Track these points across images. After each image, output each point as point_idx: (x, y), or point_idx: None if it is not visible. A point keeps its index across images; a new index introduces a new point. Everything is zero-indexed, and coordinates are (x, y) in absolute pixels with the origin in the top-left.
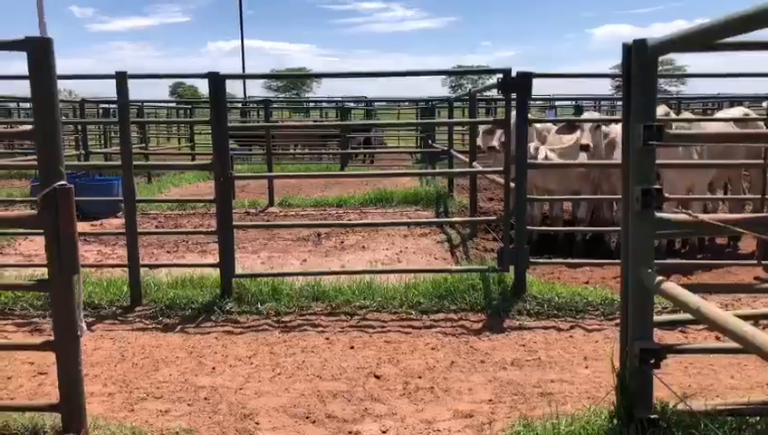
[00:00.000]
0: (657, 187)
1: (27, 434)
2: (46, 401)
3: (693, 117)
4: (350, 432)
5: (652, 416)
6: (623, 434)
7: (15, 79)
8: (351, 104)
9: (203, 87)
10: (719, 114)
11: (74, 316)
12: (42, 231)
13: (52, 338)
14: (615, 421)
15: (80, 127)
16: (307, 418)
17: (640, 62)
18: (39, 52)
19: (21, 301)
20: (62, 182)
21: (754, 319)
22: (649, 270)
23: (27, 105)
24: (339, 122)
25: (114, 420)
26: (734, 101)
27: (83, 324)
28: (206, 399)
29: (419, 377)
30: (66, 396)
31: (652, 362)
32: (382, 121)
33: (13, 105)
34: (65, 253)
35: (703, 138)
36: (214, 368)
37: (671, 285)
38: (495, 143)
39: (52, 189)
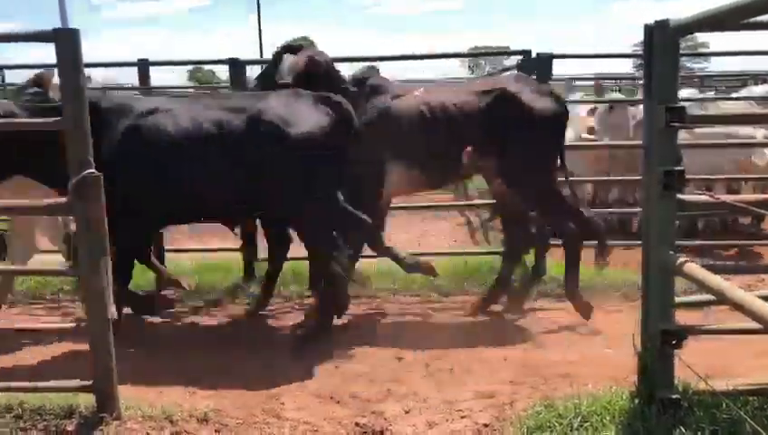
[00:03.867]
0: (679, 168)
1: (63, 414)
2: (80, 383)
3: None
4: (373, 412)
5: (673, 396)
6: (645, 414)
7: (38, 68)
8: None
9: (220, 72)
10: (743, 92)
11: (105, 300)
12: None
13: (83, 322)
14: (636, 401)
15: None
16: (331, 398)
17: (662, 43)
18: (66, 43)
19: (50, 286)
20: (91, 170)
21: None
22: (671, 251)
23: None
24: None
25: (145, 401)
26: (759, 78)
27: (113, 308)
28: (232, 380)
29: (440, 359)
30: (99, 378)
31: (673, 342)
32: None
33: None
34: (95, 239)
35: (725, 119)
36: (239, 350)
37: (693, 267)
38: None
39: (81, 177)
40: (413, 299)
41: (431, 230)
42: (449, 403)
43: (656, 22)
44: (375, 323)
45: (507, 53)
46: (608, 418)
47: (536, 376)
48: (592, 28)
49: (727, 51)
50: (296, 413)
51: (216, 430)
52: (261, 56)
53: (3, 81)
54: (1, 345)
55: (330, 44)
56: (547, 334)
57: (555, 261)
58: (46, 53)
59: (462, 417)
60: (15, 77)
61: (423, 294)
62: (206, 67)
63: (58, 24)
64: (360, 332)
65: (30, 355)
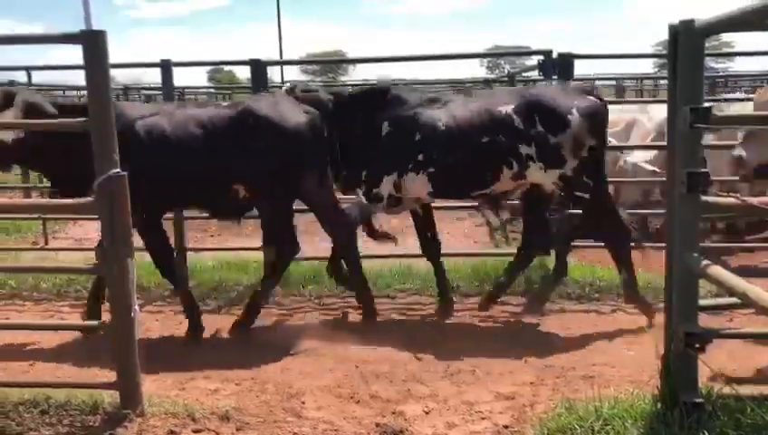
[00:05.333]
0: (704, 170)
1: (88, 410)
2: (104, 380)
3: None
4: (393, 412)
5: (697, 400)
6: (667, 418)
7: (66, 69)
8: None
9: (239, 72)
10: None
11: (129, 298)
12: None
13: (108, 319)
14: (659, 405)
15: None
16: (351, 398)
17: (687, 44)
18: (94, 44)
19: (75, 283)
20: (117, 170)
21: None
22: (695, 254)
23: (73, 94)
24: None
25: (167, 398)
26: None
27: (136, 306)
28: (252, 379)
29: (460, 359)
30: (123, 375)
31: (697, 346)
32: None
33: (58, 93)
34: (120, 237)
35: (752, 120)
36: (260, 349)
37: (717, 269)
38: None
39: (107, 177)
40: (432, 300)
41: (450, 231)
42: (469, 404)
43: (681, 22)
44: (394, 323)
45: (528, 52)
46: (629, 421)
47: (557, 378)
48: (613, 28)
49: (752, 51)
50: (316, 413)
51: (237, 428)
52: (281, 57)
53: (29, 82)
54: (27, 342)
55: (351, 44)
56: (568, 336)
57: (577, 262)
58: (68, 55)
59: (482, 418)
60: (41, 78)
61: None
62: (226, 68)
63: (81, 25)
64: (379, 332)
65: (55, 352)
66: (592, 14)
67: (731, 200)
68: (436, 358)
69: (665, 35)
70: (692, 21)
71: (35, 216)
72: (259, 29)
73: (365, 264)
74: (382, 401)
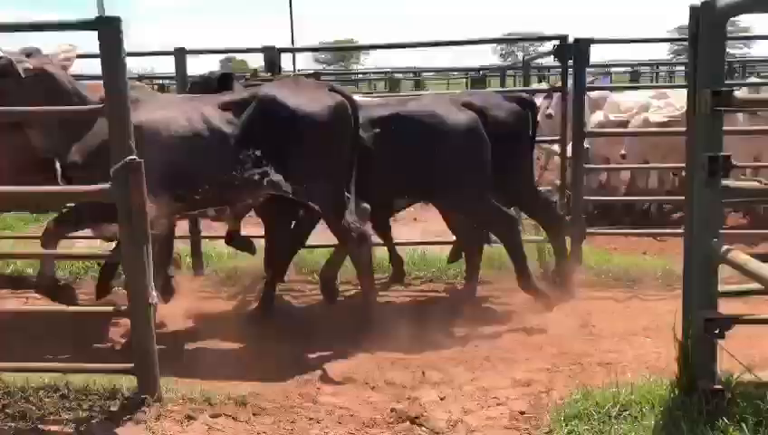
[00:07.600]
0: (725, 154)
1: (107, 395)
2: (122, 365)
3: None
4: (408, 398)
5: (716, 386)
6: (686, 404)
7: (81, 57)
8: (400, 75)
9: (252, 61)
10: None
11: (147, 284)
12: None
13: (125, 305)
14: (677, 392)
15: None
16: (366, 383)
17: (708, 25)
18: (109, 31)
19: (91, 271)
20: (133, 156)
21: None
22: (715, 239)
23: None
24: (388, 95)
25: (184, 384)
26: None
27: (154, 292)
28: (269, 365)
29: (475, 346)
30: (140, 360)
31: (717, 332)
32: (432, 92)
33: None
34: (137, 224)
35: None
36: (276, 335)
37: (739, 254)
38: (551, 111)
39: (123, 163)
40: (446, 287)
41: None
42: (485, 390)
43: (702, 3)
44: (409, 310)
45: (543, 38)
46: (647, 407)
47: (573, 364)
48: (613, 24)
49: None
50: (332, 398)
51: (253, 413)
52: (293, 44)
53: None
54: (46, 327)
55: (361, 32)
56: (584, 323)
57: (592, 249)
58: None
59: (498, 404)
60: None
61: (456, 282)
62: (238, 56)
63: (90, 15)
64: (394, 318)
65: (74, 338)
66: (591, 12)
67: (753, 184)
68: (452, 344)
69: (665, 31)
70: (714, 1)
71: None
72: (269, 21)
73: (380, 251)
74: (397, 386)
